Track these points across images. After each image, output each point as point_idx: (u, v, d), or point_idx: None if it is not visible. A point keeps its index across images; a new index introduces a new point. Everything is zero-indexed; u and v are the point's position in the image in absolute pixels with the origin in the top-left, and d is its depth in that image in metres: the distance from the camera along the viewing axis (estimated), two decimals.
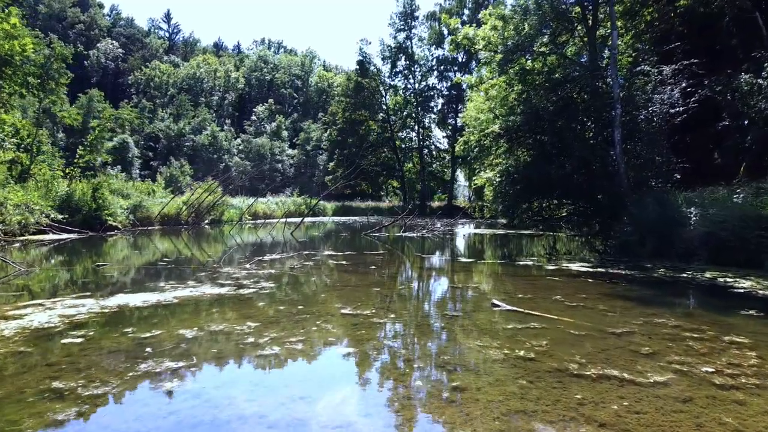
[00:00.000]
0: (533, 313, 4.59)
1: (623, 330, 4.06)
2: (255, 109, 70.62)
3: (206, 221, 21.60)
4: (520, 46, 12.87)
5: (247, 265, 7.91)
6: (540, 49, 13.36)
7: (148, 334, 3.85)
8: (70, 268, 7.69)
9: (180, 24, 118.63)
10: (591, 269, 7.76)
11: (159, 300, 5.14)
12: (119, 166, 46.44)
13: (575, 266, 8.11)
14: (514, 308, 4.79)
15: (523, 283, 6.43)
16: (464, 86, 39.84)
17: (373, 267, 8.00)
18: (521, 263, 8.61)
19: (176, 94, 69.98)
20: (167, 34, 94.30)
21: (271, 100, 73.17)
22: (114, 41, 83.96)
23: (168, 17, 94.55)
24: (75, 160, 17.16)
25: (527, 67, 13.11)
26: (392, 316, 4.58)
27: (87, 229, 15.48)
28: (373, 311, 4.72)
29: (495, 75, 16.56)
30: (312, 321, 4.37)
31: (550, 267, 8.02)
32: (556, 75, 12.57)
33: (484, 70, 16.65)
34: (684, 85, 13.68)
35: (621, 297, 5.56)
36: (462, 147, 15.02)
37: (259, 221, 24.75)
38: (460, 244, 14.76)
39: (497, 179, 12.76)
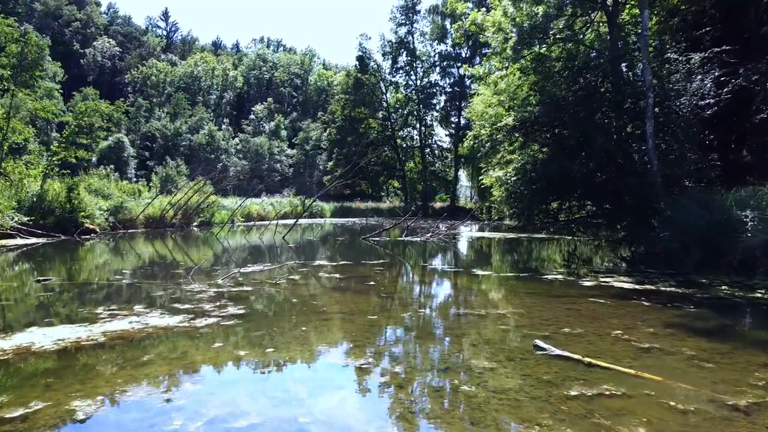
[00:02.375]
0: (598, 363, 3.21)
1: (748, 400, 2.68)
2: (253, 108, 69.34)
3: (195, 223, 20.23)
4: (537, 28, 11.48)
5: (220, 280, 6.55)
6: (557, 35, 12.00)
7: (20, 411, 2.48)
8: (14, 283, 6.33)
9: (178, 22, 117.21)
10: (637, 286, 6.38)
11: (79, 338, 3.77)
12: (112, 166, 45.20)
13: (615, 281, 6.74)
14: (568, 354, 3.42)
15: (562, 308, 5.05)
16: (468, 82, 38.44)
17: (372, 282, 6.63)
18: (548, 276, 7.22)
19: (173, 92, 68.73)
20: (165, 33, 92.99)
21: (270, 99, 71.88)
22: (111, 39, 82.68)
23: (166, 15, 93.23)
24: (49, 158, 15.76)
25: (544, 53, 11.75)
26: (396, 369, 3.20)
27: (60, 233, 14.13)
28: (369, 359, 3.35)
29: (505, 65, 15.18)
30: (280, 380, 3.00)
31: (587, 282, 6.64)
32: (577, 62, 11.21)
33: (494, 61, 15.26)
34: (717, 74, 12.31)
35: (701, 331, 4.18)
36: (471, 142, 13.66)
37: (253, 223, 23.33)
38: (469, 250, 13.39)
39: (512, 178, 11.38)
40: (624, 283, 6.55)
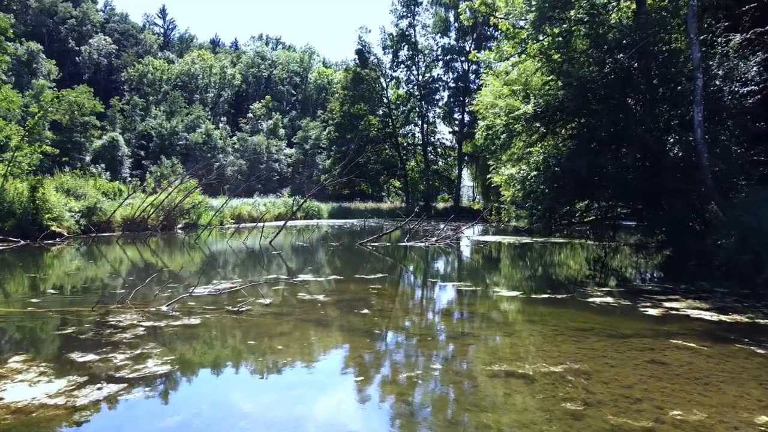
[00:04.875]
0: None
1: None
2: (251, 107, 67.85)
3: (179, 225, 18.63)
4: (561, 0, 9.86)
5: (164, 307, 4.94)
6: (582, 8, 10.34)
7: None
8: None
9: (176, 20, 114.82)
10: (722, 316, 4.75)
11: None
12: (103, 165, 43.86)
13: (686, 307, 5.11)
14: None
15: (641, 361, 3.43)
16: (472, 77, 36.81)
17: (365, 311, 5.01)
18: (594, 300, 5.60)
19: (170, 90, 67.33)
20: (162, 30, 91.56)
21: (268, 97, 70.40)
22: (107, 37, 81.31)
23: (163, 13, 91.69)
24: (13, 155, 14.16)
25: (568, 29, 10.13)
26: None
27: (20, 237, 12.59)
28: None
29: (519, 50, 13.54)
30: None
31: (650, 310, 5.01)
32: (609, 38, 9.58)
33: (506, 47, 13.61)
34: (764, 56, 10.68)
35: None
36: (483, 133, 12.06)
37: (241, 225, 21.67)
38: (479, 258, 11.77)
39: (532, 174, 9.79)
40: (701, 312, 4.92)
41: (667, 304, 5.25)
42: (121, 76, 73.61)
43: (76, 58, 76.61)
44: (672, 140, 10.17)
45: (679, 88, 10.19)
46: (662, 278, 7.68)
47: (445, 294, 6.45)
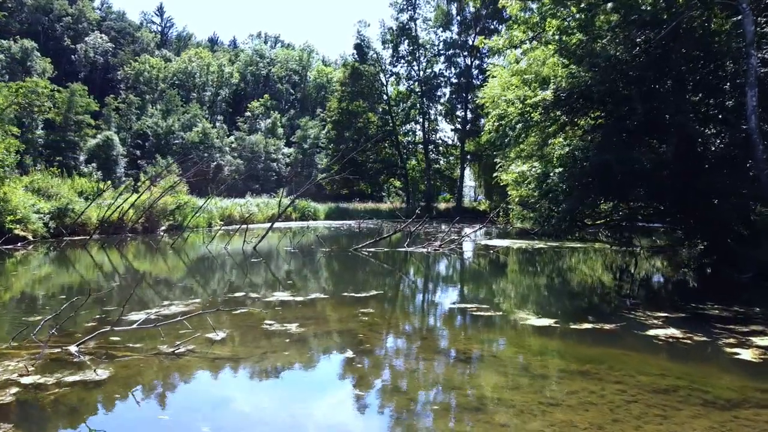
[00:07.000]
0: None
1: None
2: (249, 105, 66.56)
3: (162, 228, 17.29)
4: None
5: (73, 348, 3.59)
6: None
7: None
8: None
9: (173, 18, 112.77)
10: None
11: None
12: (94, 164, 42.65)
13: None
14: None
15: None
16: (475, 72, 35.44)
17: (348, 352, 3.66)
18: (656, 333, 4.24)
19: (166, 89, 66.11)
20: (160, 29, 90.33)
21: (266, 96, 69.15)
22: (103, 35, 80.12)
23: (161, 11, 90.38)
24: None
25: (595, 3, 8.80)
26: None
27: None
28: None
29: (530, 36, 12.18)
30: None
31: (739, 351, 3.65)
32: (643, 10, 8.25)
33: (516, 32, 12.27)
34: None
35: None
36: (494, 124, 10.73)
37: (234, 227, 20.28)
38: (489, 267, 10.41)
39: (557, 170, 8.45)
40: None
41: (758, 341, 3.89)
42: (118, 74, 72.51)
43: (72, 57, 75.44)
44: (711, 131, 8.81)
45: (721, 72, 8.83)
46: (720, 296, 6.31)
47: (456, 323, 5.09)
